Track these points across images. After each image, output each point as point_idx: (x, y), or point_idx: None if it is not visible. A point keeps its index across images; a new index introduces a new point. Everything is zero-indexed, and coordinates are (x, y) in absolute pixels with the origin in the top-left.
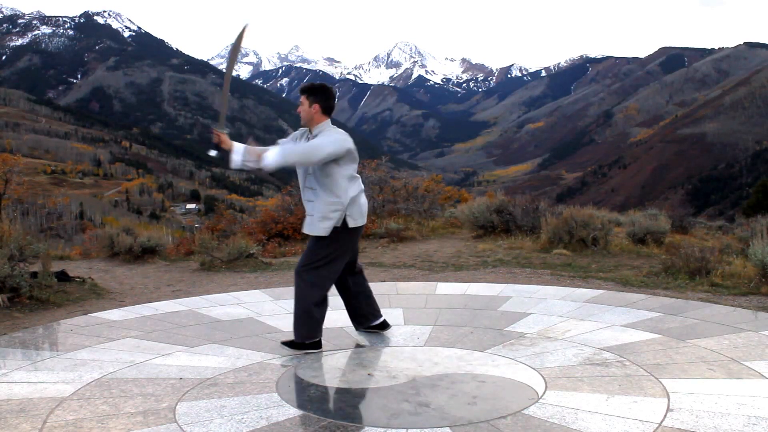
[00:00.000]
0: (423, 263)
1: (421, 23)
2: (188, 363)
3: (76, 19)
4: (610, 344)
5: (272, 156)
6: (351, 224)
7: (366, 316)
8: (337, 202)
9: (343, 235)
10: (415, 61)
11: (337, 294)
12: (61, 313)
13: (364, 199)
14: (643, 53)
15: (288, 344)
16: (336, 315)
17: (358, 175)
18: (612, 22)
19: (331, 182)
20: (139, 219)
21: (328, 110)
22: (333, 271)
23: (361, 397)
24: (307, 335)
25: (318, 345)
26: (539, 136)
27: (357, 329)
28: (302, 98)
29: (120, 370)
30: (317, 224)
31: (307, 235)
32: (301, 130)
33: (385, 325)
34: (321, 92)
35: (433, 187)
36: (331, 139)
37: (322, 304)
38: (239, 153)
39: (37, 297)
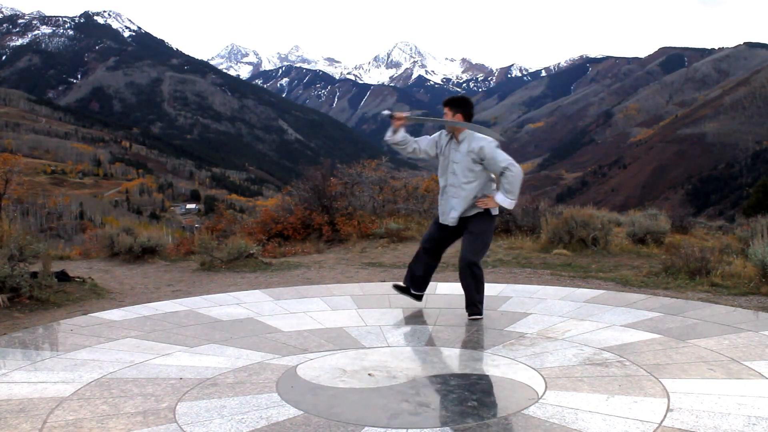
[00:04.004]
0: None
1: (421, 23)
2: (188, 363)
3: (76, 19)
4: (610, 344)
5: (506, 202)
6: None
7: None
8: None
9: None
10: (415, 61)
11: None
12: (61, 313)
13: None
14: (643, 53)
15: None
16: (335, 315)
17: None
18: (612, 22)
19: None
20: (139, 219)
21: (469, 118)
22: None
23: (361, 397)
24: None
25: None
26: (539, 136)
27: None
28: (446, 110)
29: (120, 370)
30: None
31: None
32: (438, 133)
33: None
34: (462, 103)
35: (434, 187)
36: (496, 150)
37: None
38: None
39: (37, 297)
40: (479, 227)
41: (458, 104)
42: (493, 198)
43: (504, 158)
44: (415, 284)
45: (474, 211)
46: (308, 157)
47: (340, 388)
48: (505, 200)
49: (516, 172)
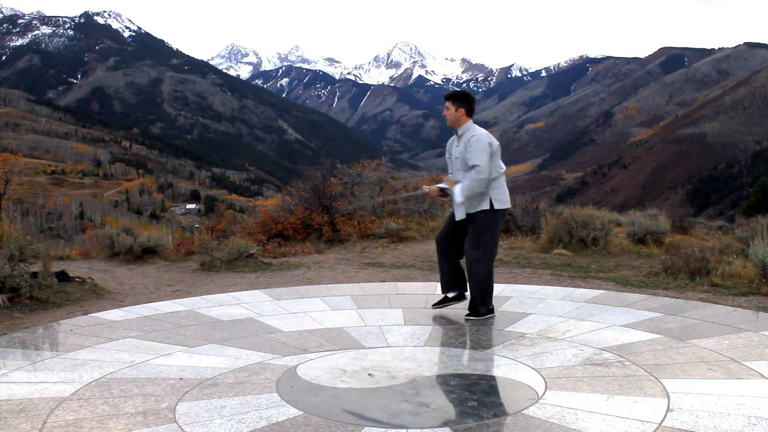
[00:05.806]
0: (423, 263)
1: (421, 23)
2: (188, 363)
3: (76, 19)
4: (610, 344)
5: (457, 194)
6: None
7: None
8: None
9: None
10: (415, 62)
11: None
12: (61, 313)
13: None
14: (643, 53)
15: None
16: (335, 315)
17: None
18: (612, 22)
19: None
20: (139, 219)
21: (471, 113)
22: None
23: (361, 397)
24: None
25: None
26: (539, 136)
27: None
28: (448, 103)
29: (120, 370)
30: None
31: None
32: (453, 138)
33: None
34: (464, 98)
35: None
36: (478, 148)
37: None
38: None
39: (37, 297)
40: (479, 224)
41: (460, 98)
42: (454, 184)
43: (480, 159)
44: (445, 286)
45: (479, 207)
46: (308, 157)
47: (340, 388)
48: (456, 193)
49: (480, 176)
